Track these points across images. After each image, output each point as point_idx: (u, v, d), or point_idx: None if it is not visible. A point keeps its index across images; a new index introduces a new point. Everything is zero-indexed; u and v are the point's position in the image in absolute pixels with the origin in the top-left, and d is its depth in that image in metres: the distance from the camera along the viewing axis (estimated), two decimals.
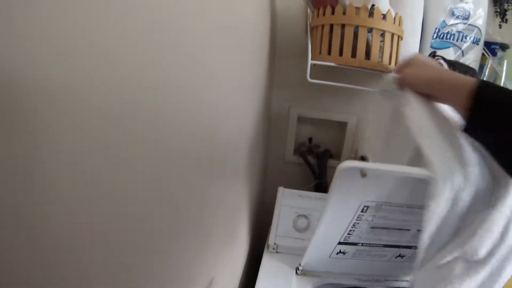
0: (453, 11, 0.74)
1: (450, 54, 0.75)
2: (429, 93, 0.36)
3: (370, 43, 0.57)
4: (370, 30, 0.57)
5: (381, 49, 0.57)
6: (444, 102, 0.36)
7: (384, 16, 0.55)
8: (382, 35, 0.56)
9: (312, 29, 0.62)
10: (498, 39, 0.80)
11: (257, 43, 0.51)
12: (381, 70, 0.57)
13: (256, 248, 0.80)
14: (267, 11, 0.59)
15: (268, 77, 0.70)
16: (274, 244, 0.63)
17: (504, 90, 0.30)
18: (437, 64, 0.39)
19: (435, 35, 0.74)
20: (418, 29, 0.72)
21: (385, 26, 0.55)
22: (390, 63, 0.57)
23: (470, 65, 0.74)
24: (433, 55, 0.67)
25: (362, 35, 0.54)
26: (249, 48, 0.44)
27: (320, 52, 0.59)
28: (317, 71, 0.64)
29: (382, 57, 0.56)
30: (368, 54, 0.56)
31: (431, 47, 0.74)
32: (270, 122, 0.86)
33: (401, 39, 0.62)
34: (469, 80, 0.31)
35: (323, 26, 0.58)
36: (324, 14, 0.57)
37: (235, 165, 0.45)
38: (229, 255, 0.51)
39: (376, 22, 0.55)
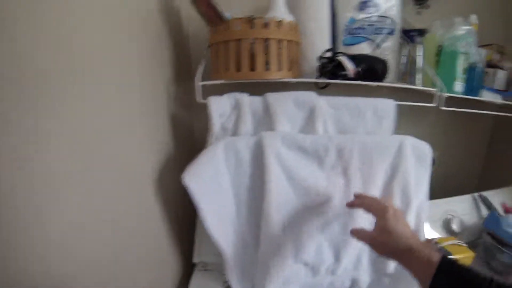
0: (361, 6, 0.74)
1: (365, 48, 0.74)
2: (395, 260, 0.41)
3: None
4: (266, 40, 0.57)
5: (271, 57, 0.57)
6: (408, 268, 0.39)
7: (266, 25, 0.56)
8: (267, 43, 0.56)
9: (208, 48, 0.63)
10: (417, 25, 0.79)
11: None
12: (271, 79, 0.57)
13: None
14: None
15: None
16: (201, 262, 0.62)
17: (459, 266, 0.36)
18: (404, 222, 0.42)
19: (346, 32, 0.74)
20: (325, 30, 0.72)
21: (268, 34, 0.55)
22: (280, 69, 0.57)
23: (387, 56, 0.73)
24: (332, 52, 0.66)
25: (244, 48, 0.55)
26: None
27: (217, 71, 0.60)
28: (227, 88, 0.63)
29: (270, 64, 0.56)
30: (253, 66, 0.56)
31: (344, 44, 0.74)
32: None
33: (297, 43, 0.62)
34: (433, 256, 0.36)
35: (214, 44, 0.59)
36: (214, 31, 0.58)
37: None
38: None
39: (257, 32, 0.55)
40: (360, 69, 0.62)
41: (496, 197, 0.74)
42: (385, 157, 0.54)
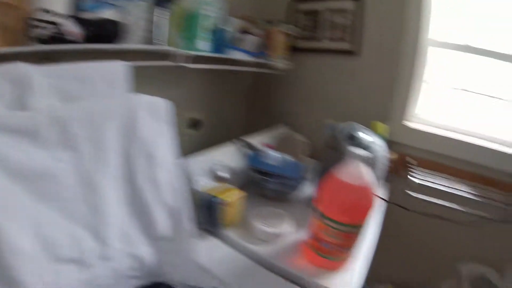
0: None
1: (111, 15, 0.69)
2: None
3: None
4: None
5: None
6: None
7: None
8: None
9: None
10: None
11: None
12: None
13: None
14: None
15: None
16: None
17: None
18: None
19: None
20: None
21: None
22: None
23: (138, 23, 0.71)
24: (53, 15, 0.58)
25: None
26: None
27: None
28: None
29: None
30: None
31: (85, 10, 0.66)
32: None
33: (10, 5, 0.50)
34: None
35: None
36: None
37: None
38: None
39: None
40: (87, 32, 0.56)
41: (258, 139, 0.90)
42: (116, 121, 0.52)
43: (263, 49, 1.02)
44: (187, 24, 0.74)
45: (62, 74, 0.51)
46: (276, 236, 0.67)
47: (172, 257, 0.59)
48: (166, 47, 0.66)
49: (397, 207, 1.14)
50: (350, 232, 0.57)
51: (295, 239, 0.68)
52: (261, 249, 0.64)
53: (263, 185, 0.80)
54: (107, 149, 0.51)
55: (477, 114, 1.08)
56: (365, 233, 0.61)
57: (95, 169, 0.51)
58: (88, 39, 0.57)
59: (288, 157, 0.83)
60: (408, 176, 1.05)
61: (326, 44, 1.16)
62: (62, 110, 0.49)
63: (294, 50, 1.19)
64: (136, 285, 0.57)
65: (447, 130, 1.10)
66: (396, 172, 1.14)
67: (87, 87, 0.52)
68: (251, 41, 0.96)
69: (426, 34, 1.03)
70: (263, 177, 0.80)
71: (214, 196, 0.65)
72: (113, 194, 0.52)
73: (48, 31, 0.54)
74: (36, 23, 0.54)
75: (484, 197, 0.97)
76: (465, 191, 0.99)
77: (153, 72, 0.77)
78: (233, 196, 0.68)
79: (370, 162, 0.67)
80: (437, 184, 1.03)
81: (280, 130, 1.00)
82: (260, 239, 0.67)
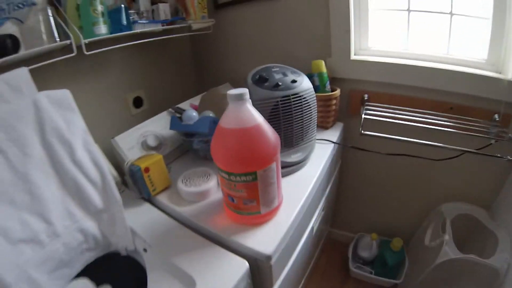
0: None
1: (10, 27, 0.74)
2: None
3: None
4: None
5: None
6: None
7: None
8: None
9: None
10: None
11: None
12: None
13: None
14: None
15: None
16: None
17: None
18: None
19: None
20: None
21: None
22: None
23: (36, 27, 0.76)
24: None
25: None
26: None
27: None
28: None
29: None
30: None
31: None
32: None
33: None
34: None
35: None
36: None
37: None
38: None
39: None
40: None
41: (188, 103, 0.95)
42: (26, 119, 0.60)
43: (179, 14, 1.03)
44: (80, 15, 0.77)
45: None
46: (199, 194, 0.71)
47: (110, 226, 0.68)
48: (62, 42, 0.71)
49: (359, 151, 1.09)
50: (248, 182, 0.55)
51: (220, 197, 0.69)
52: (186, 210, 0.69)
53: (188, 146, 0.85)
54: (28, 144, 0.60)
55: (431, 35, 0.96)
56: (270, 180, 0.57)
57: (23, 162, 0.60)
58: None
59: (207, 114, 0.84)
60: (362, 114, 0.94)
61: None
62: None
63: (217, 7, 1.18)
64: (91, 258, 0.68)
65: (401, 58, 0.99)
66: (351, 112, 1.11)
67: None
68: (163, 9, 0.98)
69: None
70: (185, 138, 0.84)
71: (134, 165, 0.73)
72: (46, 181, 0.62)
73: None
74: None
75: (460, 128, 0.85)
76: (436, 124, 0.87)
77: (77, 67, 0.83)
78: (150, 161, 0.73)
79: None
80: (400, 119, 0.90)
81: (211, 91, 1.03)
82: (187, 199, 0.72)
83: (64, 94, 0.65)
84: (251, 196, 0.57)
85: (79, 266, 0.67)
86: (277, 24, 1.13)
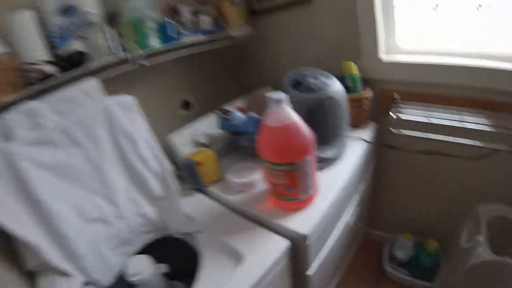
0: (61, 12, 0.86)
1: (77, 44, 0.86)
2: None
3: None
4: None
5: None
6: None
7: None
8: None
9: None
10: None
11: None
12: None
13: None
14: None
15: None
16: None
17: None
18: None
19: (56, 36, 0.86)
20: (38, 40, 0.81)
21: None
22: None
23: (96, 44, 0.88)
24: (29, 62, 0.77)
25: None
26: None
27: None
28: None
29: None
30: None
31: (58, 46, 0.86)
32: None
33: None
34: None
35: None
36: None
37: None
38: None
39: None
40: (60, 67, 0.76)
41: (234, 105, 1.04)
42: (100, 119, 0.72)
43: (219, 23, 1.12)
44: (135, 30, 0.89)
45: (55, 100, 0.72)
46: (247, 185, 0.81)
47: (168, 212, 0.79)
48: (123, 54, 0.83)
49: (394, 152, 1.10)
50: (288, 171, 0.64)
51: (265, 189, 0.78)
52: (234, 198, 0.79)
53: (236, 144, 0.94)
54: (101, 141, 0.72)
55: (462, 31, 0.93)
56: (307, 170, 0.65)
57: (97, 156, 0.72)
58: (64, 70, 0.76)
59: (253, 115, 0.93)
60: (391, 113, 0.96)
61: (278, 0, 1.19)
62: (63, 123, 0.70)
63: (254, 14, 1.26)
64: (149, 239, 0.78)
65: (431, 55, 0.98)
66: (383, 111, 1.11)
67: (73, 103, 0.73)
68: (204, 20, 1.08)
69: None
70: (233, 136, 0.93)
71: (190, 158, 0.83)
72: (114, 171, 0.73)
73: (34, 75, 0.75)
74: (24, 74, 0.75)
75: (493, 125, 0.82)
76: (469, 122, 0.85)
77: (135, 75, 0.95)
78: (203, 156, 0.84)
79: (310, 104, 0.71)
80: (433, 117, 0.90)
81: (254, 93, 1.12)
82: (235, 190, 0.82)
83: (128, 99, 0.77)
84: (291, 184, 0.67)
85: (138, 245, 0.78)
86: (309, 28, 1.19)
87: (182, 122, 0.99)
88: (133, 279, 0.67)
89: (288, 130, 0.63)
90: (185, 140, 0.92)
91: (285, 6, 1.20)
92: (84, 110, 0.72)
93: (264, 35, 1.31)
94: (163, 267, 0.72)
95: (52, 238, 0.65)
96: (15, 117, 0.68)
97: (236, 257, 0.63)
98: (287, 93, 0.70)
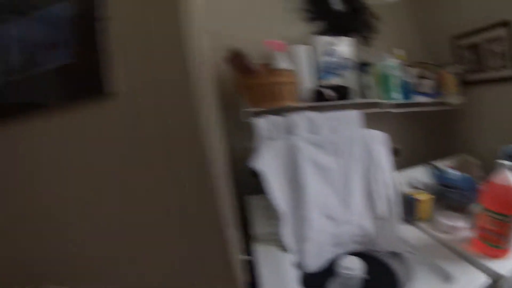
0: (329, 52, 1.14)
1: (336, 79, 1.12)
2: None
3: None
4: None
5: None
6: None
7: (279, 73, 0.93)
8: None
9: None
10: (365, 59, 1.19)
11: None
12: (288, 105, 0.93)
13: None
14: None
15: None
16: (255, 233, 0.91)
17: None
18: None
19: (323, 70, 1.13)
20: (306, 73, 1.09)
21: (281, 79, 0.92)
22: (291, 100, 0.94)
23: (350, 83, 1.11)
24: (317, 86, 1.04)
25: (268, 87, 0.91)
26: None
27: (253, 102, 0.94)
28: None
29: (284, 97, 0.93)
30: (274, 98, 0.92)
31: (322, 78, 1.12)
32: None
33: (294, 82, 0.99)
34: None
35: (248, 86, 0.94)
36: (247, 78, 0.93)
37: None
38: None
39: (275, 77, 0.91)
40: (334, 94, 1.00)
41: (441, 163, 1.13)
42: (358, 143, 0.90)
43: (438, 89, 1.25)
44: (383, 82, 1.09)
45: (328, 117, 0.94)
46: (454, 228, 0.87)
47: (383, 231, 0.89)
48: (374, 99, 1.02)
49: None
50: (503, 221, 0.73)
51: (468, 235, 0.85)
52: (441, 235, 0.88)
53: (447, 195, 1.01)
54: (355, 158, 0.90)
55: None
56: None
57: (349, 168, 0.90)
58: (335, 98, 1.00)
59: (467, 175, 1.01)
60: None
61: (491, 74, 1.23)
62: (332, 136, 0.90)
63: (465, 84, 1.34)
64: (354, 249, 0.89)
65: None
66: None
67: (341, 124, 0.93)
68: (427, 84, 1.23)
69: None
70: (443, 188, 1.01)
71: (411, 195, 0.94)
72: (356, 184, 0.89)
73: (315, 94, 1.00)
74: (312, 92, 1.01)
75: None
76: None
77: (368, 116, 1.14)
78: (424, 196, 0.95)
79: None
80: None
81: (460, 156, 1.19)
82: (442, 230, 0.89)
83: (380, 133, 0.93)
84: (500, 231, 0.75)
85: (345, 250, 0.89)
86: None
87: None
88: (344, 271, 0.75)
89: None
90: (403, 180, 1.04)
91: (497, 80, 1.23)
92: (349, 132, 0.92)
93: (472, 105, 1.35)
94: (366, 274, 0.80)
95: (295, 214, 0.84)
96: (300, 119, 0.91)
97: (446, 276, 0.71)
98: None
